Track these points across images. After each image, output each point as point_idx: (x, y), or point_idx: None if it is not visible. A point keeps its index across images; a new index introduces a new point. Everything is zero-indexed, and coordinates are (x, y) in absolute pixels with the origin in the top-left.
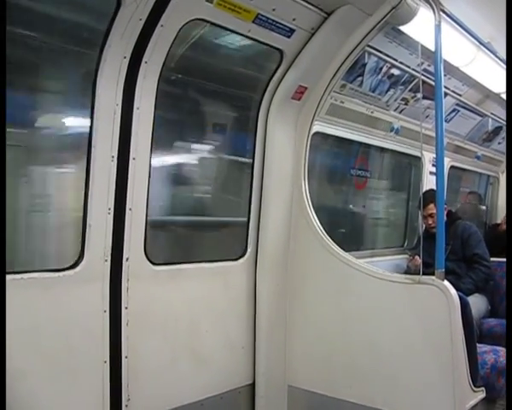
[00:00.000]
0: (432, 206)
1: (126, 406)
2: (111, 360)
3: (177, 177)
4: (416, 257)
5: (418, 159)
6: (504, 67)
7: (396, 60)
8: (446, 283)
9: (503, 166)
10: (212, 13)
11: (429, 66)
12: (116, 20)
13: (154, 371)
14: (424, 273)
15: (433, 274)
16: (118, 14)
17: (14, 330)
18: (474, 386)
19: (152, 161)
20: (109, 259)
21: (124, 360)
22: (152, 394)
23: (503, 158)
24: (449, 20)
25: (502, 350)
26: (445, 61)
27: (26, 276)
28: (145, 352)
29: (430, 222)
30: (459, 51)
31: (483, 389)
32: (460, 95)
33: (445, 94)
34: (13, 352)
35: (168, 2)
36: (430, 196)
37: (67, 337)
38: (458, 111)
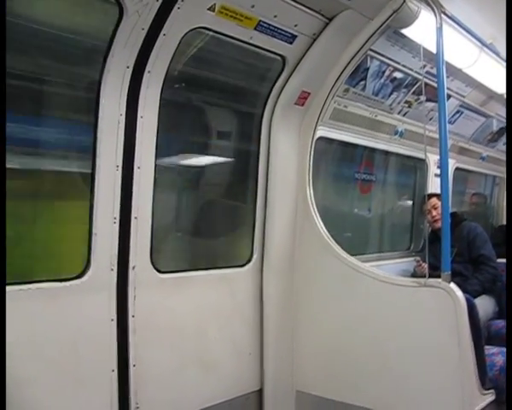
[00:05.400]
0: (434, 199)
1: None
2: (119, 369)
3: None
4: (423, 264)
5: (423, 161)
6: None
7: (398, 63)
8: (453, 285)
9: None
10: (214, 21)
11: (432, 68)
12: (119, 30)
13: (162, 379)
14: (430, 276)
15: (439, 277)
16: (120, 23)
17: (21, 339)
18: (483, 389)
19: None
20: (115, 268)
21: (131, 368)
22: (160, 401)
23: None
24: (450, 22)
25: None
26: (447, 63)
27: (33, 286)
28: (153, 360)
29: (434, 214)
30: (461, 53)
31: (492, 391)
32: (463, 96)
33: (449, 96)
34: (21, 361)
35: (170, 12)
36: (433, 194)
37: (75, 346)
38: (462, 112)
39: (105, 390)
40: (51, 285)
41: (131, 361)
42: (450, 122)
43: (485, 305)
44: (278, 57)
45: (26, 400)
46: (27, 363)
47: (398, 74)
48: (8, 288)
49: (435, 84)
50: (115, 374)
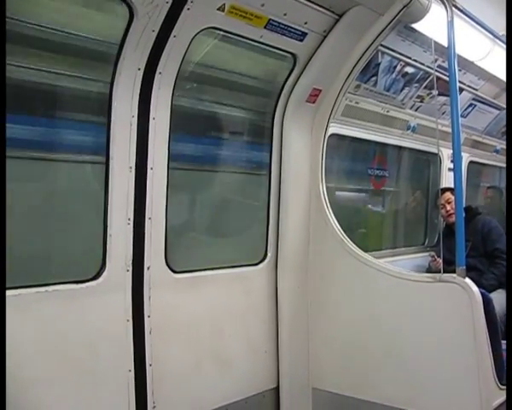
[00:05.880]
0: (448, 193)
1: None
2: (135, 369)
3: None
4: (438, 259)
5: (436, 156)
6: None
7: (410, 58)
8: (468, 280)
9: None
10: (224, 21)
11: (444, 62)
12: (129, 33)
13: (178, 378)
14: (446, 271)
15: (454, 272)
16: (131, 26)
17: (39, 341)
18: (501, 384)
19: None
20: (131, 268)
21: (148, 368)
22: (177, 400)
23: None
24: (462, 15)
25: None
26: (459, 56)
27: (50, 288)
28: (169, 359)
29: (448, 208)
30: (474, 46)
31: None
32: (476, 89)
33: (461, 89)
34: (38, 362)
35: (180, 13)
36: (447, 189)
37: (92, 347)
38: (475, 106)
39: (122, 390)
40: (67, 287)
41: (148, 361)
42: (462, 116)
43: (501, 299)
44: (289, 55)
45: (44, 400)
46: (45, 364)
47: (409, 69)
48: (24, 290)
49: (447, 78)
50: (132, 374)
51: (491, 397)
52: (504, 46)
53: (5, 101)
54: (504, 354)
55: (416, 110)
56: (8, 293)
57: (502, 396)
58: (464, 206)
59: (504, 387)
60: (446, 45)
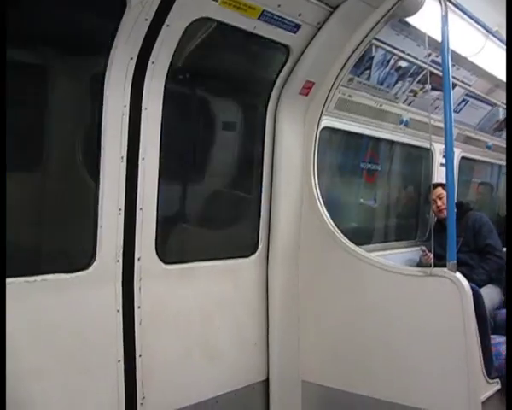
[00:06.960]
0: (440, 188)
1: (141, 404)
2: (125, 360)
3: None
4: (429, 253)
5: (429, 151)
6: None
7: (403, 52)
8: (458, 274)
9: None
10: (218, 11)
11: (437, 57)
12: (122, 22)
13: (168, 370)
14: (436, 265)
15: (445, 266)
16: (124, 15)
17: (28, 331)
18: (489, 378)
19: None
20: (121, 259)
21: (138, 359)
22: (166, 392)
23: None
24: (456, 9)
25: None
26: (453, 51)
27: (39, 278)
28: (159, 350)
29: (439, 204)
30: (467, 41)
31: (498, 380)
32: (469, 85)
33: (454, 84)
34: (27, 353)
35: (173, 2)
36: (439, 184)
37: (81, 338)
38: (468, 101)
39: (111, 381)
40: (57, 277)
41: (137, 352)
42: (455, 111)
43: (491, 294)
44: (282, 47)
45: (33, 391)
46: (34, 355)
47: (403, 63)
48: (13, 279)
49: (440, 73)
50: (121, 365)
51: (479, 391)
52: (498, 42)
53: (5, 100)
54: (494, 348)
55: (408, 104)
56: None
57: (490, 390)
58: (455, 201)
59: (492, 381)
60: (440, 40)
